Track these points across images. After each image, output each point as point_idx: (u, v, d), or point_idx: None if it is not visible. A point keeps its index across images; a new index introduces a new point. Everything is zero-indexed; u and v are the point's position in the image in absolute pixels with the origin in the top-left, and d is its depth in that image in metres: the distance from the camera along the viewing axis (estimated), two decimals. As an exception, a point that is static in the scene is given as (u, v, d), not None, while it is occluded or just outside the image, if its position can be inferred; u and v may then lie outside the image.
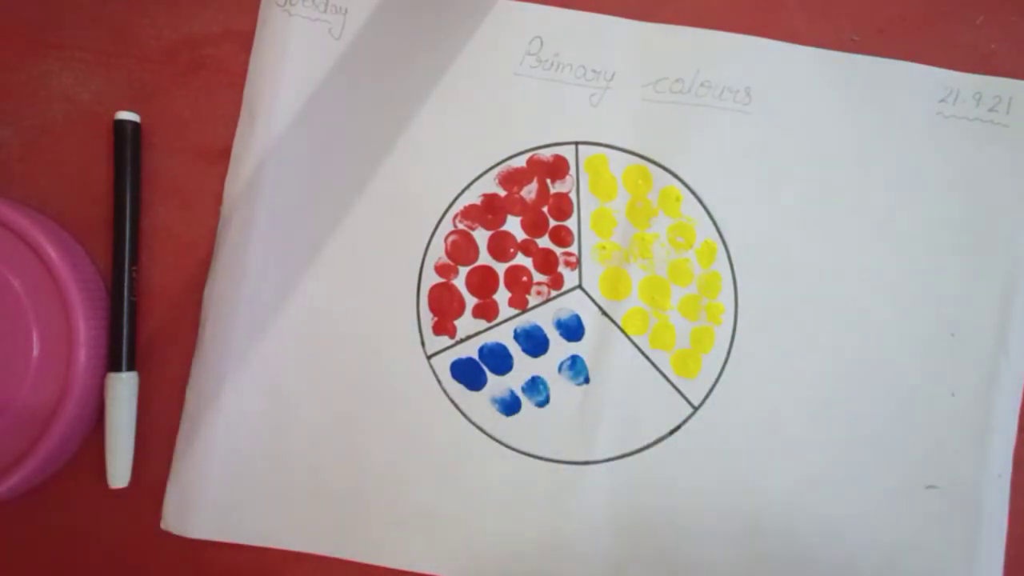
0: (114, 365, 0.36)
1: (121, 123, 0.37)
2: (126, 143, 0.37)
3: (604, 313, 0.37)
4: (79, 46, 0.38)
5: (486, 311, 0.37)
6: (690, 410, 0.37)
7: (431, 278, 0.37)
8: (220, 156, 0.38)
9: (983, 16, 0.38)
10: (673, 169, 0.38)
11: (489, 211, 0.38)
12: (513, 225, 0.38)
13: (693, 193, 0.38)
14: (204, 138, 0.38)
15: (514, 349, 0.37)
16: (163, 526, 0.36)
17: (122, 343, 0.36)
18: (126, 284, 0.36)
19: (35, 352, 0.34)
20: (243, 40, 0.38)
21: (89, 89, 0.38)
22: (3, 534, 0.37)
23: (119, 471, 0.36)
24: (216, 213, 0.38)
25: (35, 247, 0.34)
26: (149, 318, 0.37)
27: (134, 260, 0.37)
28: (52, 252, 0.34)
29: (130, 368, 0.36)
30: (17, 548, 0.37)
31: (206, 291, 0.37)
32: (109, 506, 0.37)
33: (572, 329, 0.37)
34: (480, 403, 0.37)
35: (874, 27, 0.38)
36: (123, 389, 0.36)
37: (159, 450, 0.37)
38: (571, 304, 0.37)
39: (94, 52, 0.38)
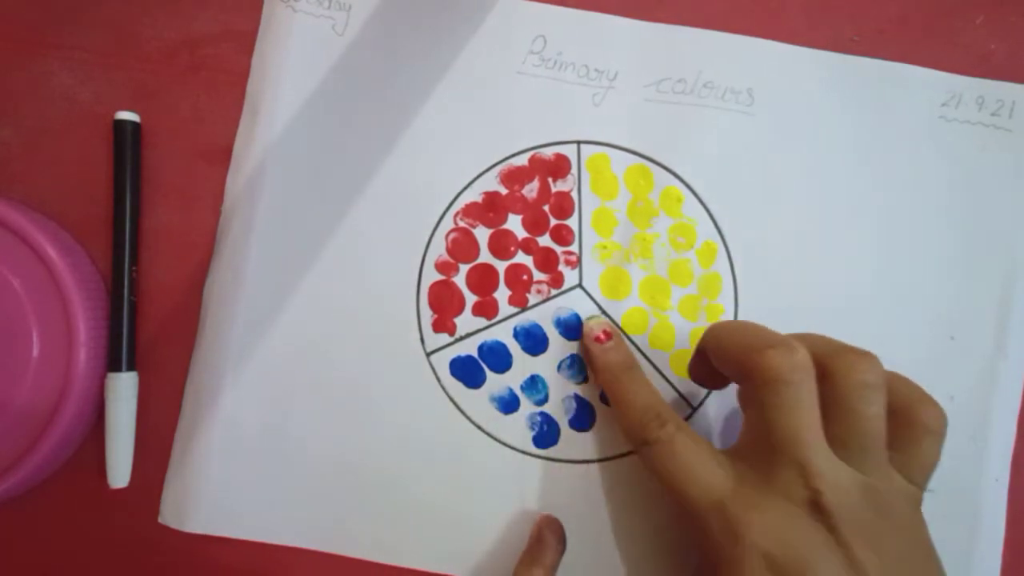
0: (114, 365, 0.36)
1: (121, 123, 0.37)
2: (126, 143, 0.37)
3: (604, 312, 0.37)
4: (79, 46, 0.38)
5: (486, 309, 0.37)
6: (689, 411, 0.37)
7: (431, 275, 0.37)
8: (220, 156, 0.38)
9: (983, 16, 0.38)
10: (674, 169, 0.38)
11: (490, 209, 0.38)
12: (514, 223, 0.38)
13: (694, 194, 0.38)
14: (204, 138, 0.38)
15: (513, 347, 0.37)
16: (161, 520, 0.36)
17: (122, 343, 0.36)
18: (126, 284, 0.36)
19: (35, 352, 0.34)
20: (243, 40, 0.38)
21: (89, 89, 0.38)
22: (3, 534, 0.37)
23: (119, 471, 0.36)
24: (216, 213, 0.38)
25: (35, 247, 0.34)
26: (149, 318, 0.37)
27: (134, 260, 0.37)
28: (52, 252, 0.34)
29: (130, 368, 0.36)
30: (17, 548, 0.37)
31: (206, 286, 0.37)
32: (109, 506, 0.37)
33: (572, 328, 0.37)
34: (479, 401, 0.37)
35: (874, 27, 0.38)
36: (123, 389, 0.36)
37: (159, 450, 0.37)
38: (571, 303, 0.37)
39: (94, 52, 0.38)
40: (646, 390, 0.33)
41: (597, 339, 0.35)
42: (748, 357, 0.29)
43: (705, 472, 0.30)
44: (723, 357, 0.31)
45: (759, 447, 0.29)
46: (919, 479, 0.30)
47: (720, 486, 0.29)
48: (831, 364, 0.29)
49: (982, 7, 0.38)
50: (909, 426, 0.30)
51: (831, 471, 0.28)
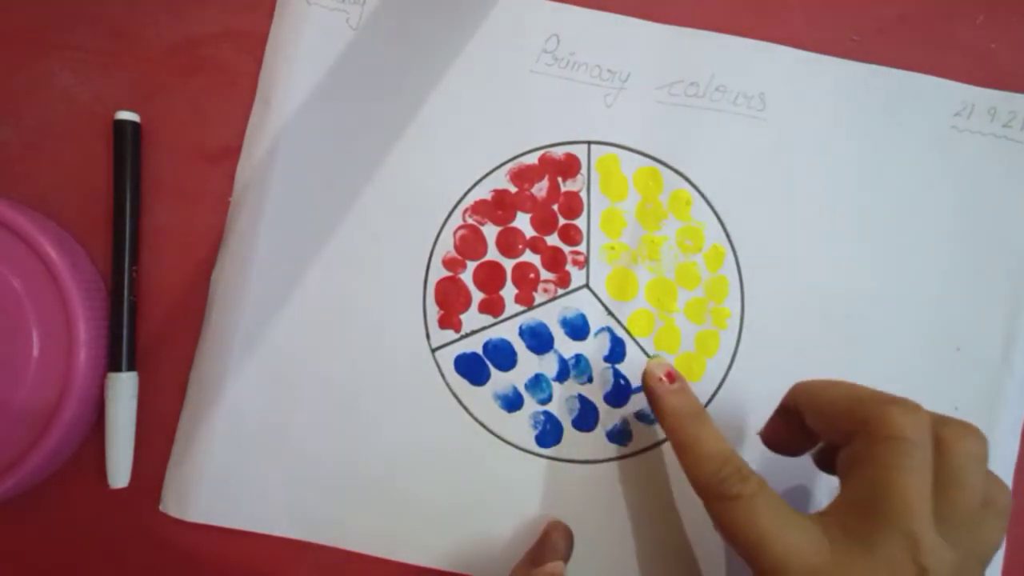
0: (114, 365, 0.36)
1: (121, 123, 0.37)
2: (126, 143, 0.37)
3: (610, 313, 0.37)
4: (79, 46, 0.38)
5: (492, 307, 0.37)
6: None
7: (438, 271, 0.37)
8: (221, 156, 0.38)
9: (983, 16, 0.38)
10: (684, 172, 0.38)
11: (499, 207, 0.38)
12: (522, 222, 0.38)
13: (703, 197, 0.38)
14: (204, 138, 0.38)
15: (519, 346, 0.37)
16: (162, 508, 0.36)
17: (122, 343, 0.36)
18: (126, 284, 0.36)
19: (35, 352, 0.34)
20: (244, 40, 0.38)
21: (89, 89, 0.38)
22: (3, 534, 0.36)
23: (119, 471, 0.36)
24: (217, 212, 0.38)
25: (35, 247, 0.34)
26: (149, 318, 0.37)
27: (134, 260, 0.37)
28: (52, 252, 0.34)
29: (130, 368, 0.36)
30: (17, 548, 0.36)
31: (213, 276, 0.37)
32: (109, 506, 0.36)
33: (577, 328, 0.37)
34: (482, 398, 0.37)
35: (874, 28, 0.38)
36: (123, 389, 0.36)
37: (159, 450, 0.37)
38: (577, 303, 0.37)
39: (94, 52, 0.38)
40: (720, 439, 0.31)
41: (661, 380, 0.33)
42: (864, 411, 0.28)
43: (794, 535, 0.27)
44: (824, 412, 0.30)
45: (861, 512, 0.27)
46: (986, 558, 0.28)
47: (812, 551, 0.27)
48: (940, 432, 0.27)
49: (982, 7, 0.39)
50: (985, 504, 0.28)
51: (939, 548, 0.26)
